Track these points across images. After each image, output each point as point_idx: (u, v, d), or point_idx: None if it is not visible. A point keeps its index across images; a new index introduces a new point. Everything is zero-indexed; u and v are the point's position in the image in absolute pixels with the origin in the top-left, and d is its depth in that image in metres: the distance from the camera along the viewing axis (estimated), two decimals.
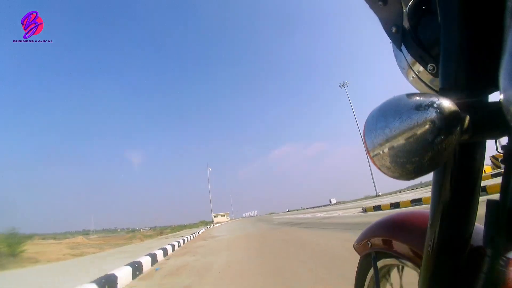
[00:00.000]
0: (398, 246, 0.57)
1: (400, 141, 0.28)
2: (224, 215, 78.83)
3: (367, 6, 0.44)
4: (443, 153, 0.27)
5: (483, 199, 0.33)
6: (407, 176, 0.29)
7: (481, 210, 0.35)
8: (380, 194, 34.42)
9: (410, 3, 0.42)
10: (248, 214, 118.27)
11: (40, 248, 15.79)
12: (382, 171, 0.31)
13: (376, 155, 0.31)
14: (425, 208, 0.49)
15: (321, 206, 61.01)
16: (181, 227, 42.42)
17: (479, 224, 0.37)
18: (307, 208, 78.05)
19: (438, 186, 0.37)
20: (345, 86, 45.32)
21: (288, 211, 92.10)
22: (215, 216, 73.59)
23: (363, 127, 0.33)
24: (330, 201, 66.31)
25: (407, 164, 0.28)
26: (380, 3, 0.42)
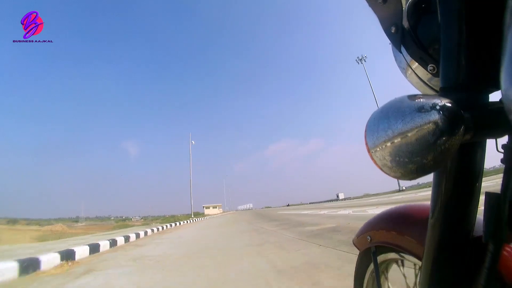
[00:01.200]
0: (399, 240, 0.56)
1: (402, 142, 0.28)
2: (216, 207, 72.79)
3: (366, 5, 0.44)
4: (446, 154, 0.27)
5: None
6: (409, 176, 0.29)
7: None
8: (404, 188, 31.98)
9: (409, 2, 0.41)
10: (243, 207, 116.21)
11: (6, 234, 13.61)
12: (383, 171, 0.31)
13: (377, 155, 0.31)
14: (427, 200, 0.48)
15: (327, 201, 56.14)
16: (173, 218, 39.95)
17: (480, 217, 0.37)
18: (309, 203, 71.72)
19: (439, 185, 0.37)
20: (363, 61, 40.52)
21: (288, 205, 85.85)
22: (206, 208, 68.24)
23: (364, 128, 0.33)
24: (338, 196, 60.69)
25: (409, 164, 0.28)
26: (380, 1, 0.42)
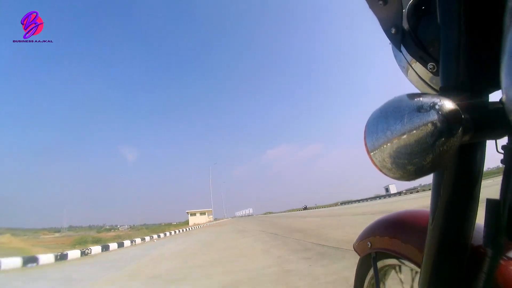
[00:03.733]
0: (399, 246, 0.56)
1: (401, 143, 0.28)
2: (205, 213, 53.04)
3: (366, 6, 0.44)
4: (444, 155, 0.27)
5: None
6: (408, 177, 0.29)
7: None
8: None
9: (409, 3, 0.42)
10: (241, 213, 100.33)
11: None
12: (383, 172, 0.31)
13: (376, 156, 0.31)
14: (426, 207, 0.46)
15: (374, 198, 40.18)
16: (168, 226, 35.90)
17: (480, 224, 0.37)
18: (341, 204, 52.09)
19: (438, 186, 0.36)
20: None
21: (305, 208, 66.48)
22: (191, 215, 50.81)
23: (364, 129, 0.33)
24: (388, 190, 44.33)
25: (408, 166, 0.28)
26: (380, 2, 0.42)
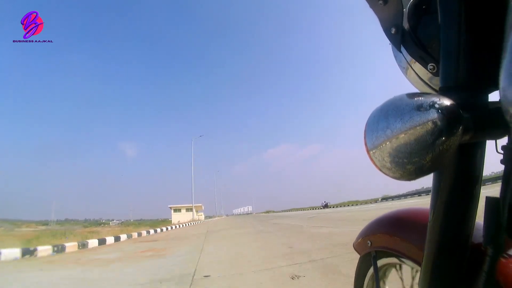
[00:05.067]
0: (398, 244, 0.56)
1: (401, 142, 0.28)
2: (191, 209, 37.24)
3: (367, 5, 0.44)
4: (445, 154, 0.27)
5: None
6: (408, 177, 0.29)
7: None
8: None
9: (410, 3, 0.42)
10: (239, 211, 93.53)
11: None
12: (382, 171, 0.31)
13: (376, 155, 0.31)
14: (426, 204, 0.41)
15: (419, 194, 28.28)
16: (164, 222, 33.77)
17: (480, 222, 0.37)
18: (382, 200, 38.93)
19: (438, 185, 0.37)
20: None
21: (326, 205, 52.62)
22: (174, 210, 39.40)
23: (364, 128, 0.33)
24: None
25: (407, 165, 0.28)
26: (381, 2, 0.42)
